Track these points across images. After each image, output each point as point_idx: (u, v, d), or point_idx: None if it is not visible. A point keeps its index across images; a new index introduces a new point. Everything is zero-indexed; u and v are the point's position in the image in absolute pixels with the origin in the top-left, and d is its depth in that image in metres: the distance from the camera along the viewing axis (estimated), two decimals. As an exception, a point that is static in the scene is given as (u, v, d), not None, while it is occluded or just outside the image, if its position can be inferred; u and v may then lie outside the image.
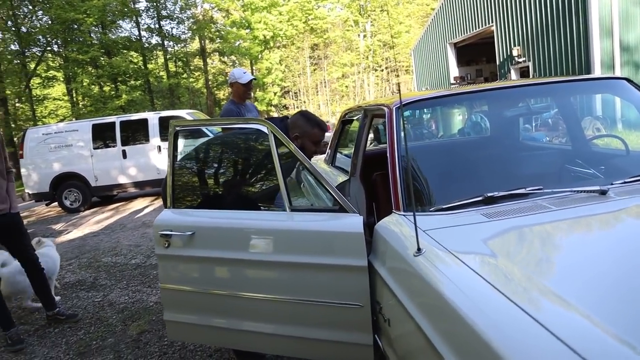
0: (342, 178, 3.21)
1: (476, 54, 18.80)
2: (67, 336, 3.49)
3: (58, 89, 29.33)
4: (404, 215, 1.79)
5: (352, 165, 2.95)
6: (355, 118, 3.37)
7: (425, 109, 3.21)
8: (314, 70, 38.34)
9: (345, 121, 3.61)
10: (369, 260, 1.80)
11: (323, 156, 4.26)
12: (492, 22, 14.40)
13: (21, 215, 3.53)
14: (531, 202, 1.68)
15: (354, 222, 1.85)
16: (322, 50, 37.22)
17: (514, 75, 13.96)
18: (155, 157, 9.57)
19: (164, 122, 9.68)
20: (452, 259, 1.35)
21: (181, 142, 2.38)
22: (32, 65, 24.54)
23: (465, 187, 1.91)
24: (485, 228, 1.54)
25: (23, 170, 9.63)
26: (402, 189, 1.87)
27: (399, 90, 2.00)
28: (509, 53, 13.86)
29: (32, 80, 24.97)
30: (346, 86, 36.22)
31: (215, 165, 2.43)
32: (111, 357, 3.03)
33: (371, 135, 3.99)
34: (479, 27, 15.21)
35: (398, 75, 37.67)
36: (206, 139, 2.58)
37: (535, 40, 12.45)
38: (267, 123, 2.07)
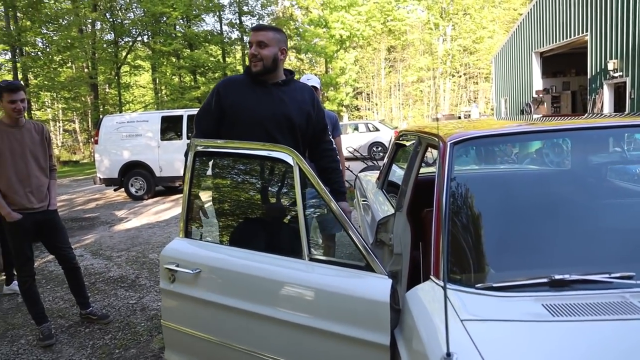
0: (389, 208, 2.86)
1: (565, 65, 17.37)
2: (95, 339, 3.43)
3: (144, 78, 31.06)
4: (442, 287, 1.42)
5: (399, 197, 2.60)
6: (409, 143, 3.00)
7: (489, 147, 2.75)
8: (389, 72, 37.62)
9: (399, 144, 3.24)
10: (394, 336, 1.46)
11: (374, 177, 3.92)
12: (586, 31, 13.14)
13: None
14: (618, 297, 1.25)
15: (379, 286, 1.51)
16: (398, 53, 36.41)
17: (606, 91, 12.66)
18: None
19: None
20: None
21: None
22: (123, 54, 26.16)
23: (528, 258, 1.50)
24: (546, 331, 1.14)
25: (96, 155, 10.13)
26: (446, 251, 1.50)
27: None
28: (603, 66, 12.58)
29: (121, 68, 26.65)
30: (420, 90, 35.18)
31: (233, 191, 2.18)
32: (129, 372, 2.91)
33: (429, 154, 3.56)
34: (570, 36, 13.97)
35: (477, 83, 36.00)
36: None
37: (636, 53, 11.14)
38: (293, 153, 1.78)
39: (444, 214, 1.56)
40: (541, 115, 3.80)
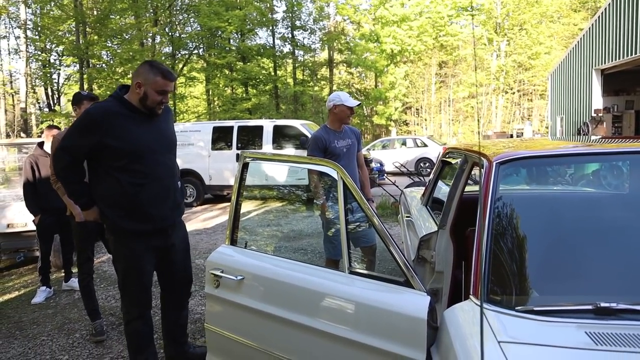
0: (432, 225, 2.84)
1: (628, 83, 16.49)
2: (142, 338, 3.59)
3: (197, 89, 32.28)
4: (480, 307, 1.41)
5: (443, 214, 2.58)
6: (455, 161, 2.97)
7: (540, 168, 2.68)
8: (439, 87, 37.10)
9: (445, 161, 3.22)
10: (429, 353, 1.46)
11: (420, 193, 3.90)
12: (654, 48, 12.46)
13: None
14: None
15: (417, 302, 1.51)
16: (450, 68, 35.88)
17: (674, 111, 11.90)
18: (265, 164, 9.88)
19: (278, 130, 9.99)
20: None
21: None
22: (180, 66, 27.36)
23: (571, 283, 1.46)
24: (588, 360, 1.11)
25: (152, 163, 10.60)
26: (486, 271, 1.49)
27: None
28: (671, 85, 11.86)
29: (177, 79, 27.84)
30: (472, 107, 34.44)
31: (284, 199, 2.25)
32: (172, 373, 3.02)
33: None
34: (635, 53, 13.28)
35: (531, 100, 34.82)
36: None
37: None
38: (336, 167, 1.83)
39: (486, 233, 1.55)
40: (600, 136, 3.66)
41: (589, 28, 16.23)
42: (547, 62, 30.03)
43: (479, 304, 1.43)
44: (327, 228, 3.43)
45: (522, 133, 21.69)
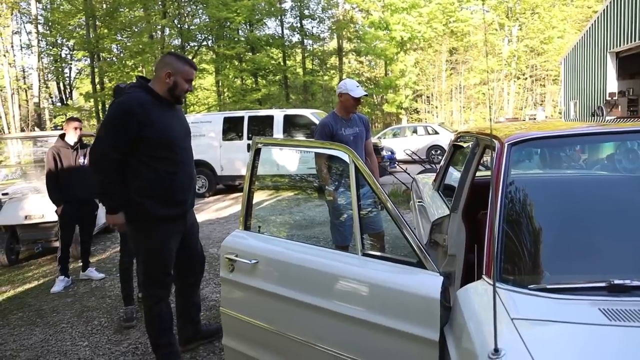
0: (444, 210, 2.84)
1: (644, 66, 16.15)
2: (159, 325, 3.66)
3: (207, 80, 32.35)
4: (493, 286, 1.42)
5: (454, 198, 2.58)
6: (466, 145, 2.96)
7: (552, 150, 2.66)
8: (450, 74, 36.72)
9: (456, 145, 3.20)
10: (443, 333, 1.48)
11: (431, 179, 3.89)
12: (670, 30, 12.18)
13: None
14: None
15: (431, 282, 1.53)
16: (460, 55, 35.44)
17: (692, 94, 11.65)
18: (276, 153, 9.91)
19: (288, 120, 10.01)
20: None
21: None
22: (189, 58, 27.41)
23: (583, 262, 1.47)
24: (602, 336, 1.12)
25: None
26: (499, 250, 1.50)
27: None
28: (688, 67, 11.60)
29: (189, 71, 27.90)
30: (483, 93, 34.04)
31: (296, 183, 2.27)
32: (188, 356, 3.08)
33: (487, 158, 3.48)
34: (651, 35, 13.00)
35: (544, 85, 34.32)
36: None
37: None
38: (349, 151, 1.84)
39: (498, 213, 1.56)
40: (615, 117, 3.60)
41: (604, 10, 15.90)
42: (560, 46, 29.51)
43: (491, 283, 1.45)
44: (334, 215, 3.44)
45: (535, 119, 21.44)
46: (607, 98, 15.64)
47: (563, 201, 1.78)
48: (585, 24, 22.34)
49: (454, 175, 3.59)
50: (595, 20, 16.63)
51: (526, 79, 34.22)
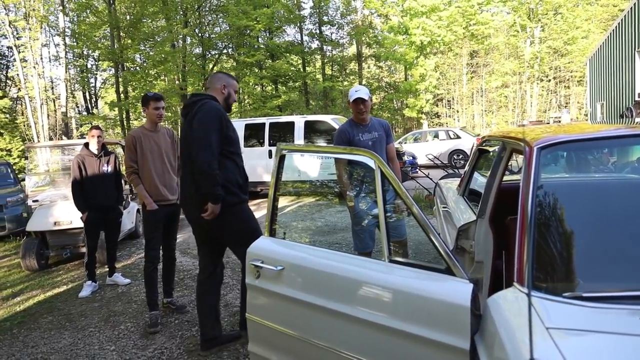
0: (470, 215, 2.79)
1: (675, 66, 15.64)
2: (183, 330, 3.70)
3: (228, 88, 32.71)
4: (526, 294, 1.38)
5: (481, 203, 2.54)
6: (492, 149, 2.91)
7: (581, 154, 2.59)
8: (471, 78, 36.28)
9: (482, 149, 3.15)
10: (473, 342, 1.45)
11: (455, 184, 3.84)
12: (701, 28, 11.79)
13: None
14: None
15: (460, 290, 1.50)
16: (481, 58, 35.01)
17: None
18: (297, 159, 9.94)
19: (309, 126, 10.03)
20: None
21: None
22: (210, 66, 27.81)
23: (620, 267, 1.42)
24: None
25: (185, 161, 10.84)
26: (531, 257, 1.46)
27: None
28: None
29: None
30: (505, 96, 33.53)
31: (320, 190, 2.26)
32: (213, 363, 3.10)
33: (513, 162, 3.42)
34: (681, 34, 12.61)
35: (568, 87, 33.62)
36: None
37: None
38: (374, 156, 1.82)
39: (530, 219, 1.52)
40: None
41: (631, 8, 15.50)
42: (585, 46, 28.88)
43: (523, 290, 1.41)
44: (354, 222, 3.41)
45: (559, 121, 21.00)
46: (637, 99, 15.19)
47: (595, 205, 1.73)
48: (611, 23, 21.82)
49: (479, 180, 3.53)
50: (622, 19, 16.23)
51: (549, 80, 33.59)
